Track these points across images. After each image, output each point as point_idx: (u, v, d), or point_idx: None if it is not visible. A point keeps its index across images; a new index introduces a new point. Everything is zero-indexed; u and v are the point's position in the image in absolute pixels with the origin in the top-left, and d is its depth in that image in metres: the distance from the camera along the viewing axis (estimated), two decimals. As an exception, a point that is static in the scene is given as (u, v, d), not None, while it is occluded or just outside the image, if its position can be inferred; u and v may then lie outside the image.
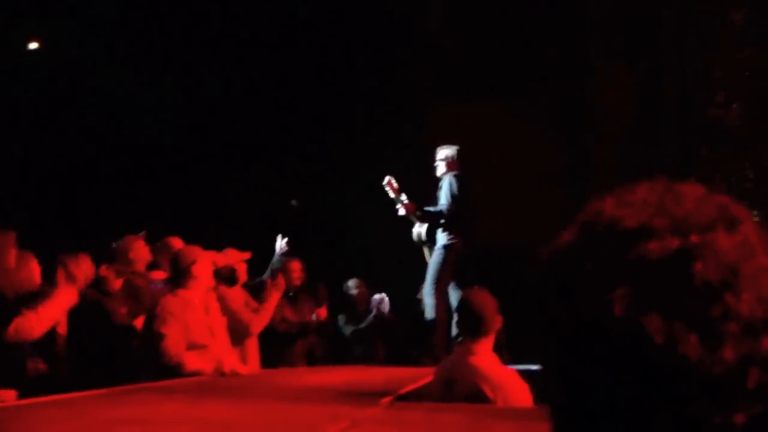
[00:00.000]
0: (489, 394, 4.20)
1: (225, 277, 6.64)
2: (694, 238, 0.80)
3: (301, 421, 3.59)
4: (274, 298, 6.81)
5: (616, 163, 9.93)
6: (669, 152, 9.20)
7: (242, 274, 6.80)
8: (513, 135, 10.87)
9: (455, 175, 7.73)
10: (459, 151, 7.95)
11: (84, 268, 5.66)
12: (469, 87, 10.69)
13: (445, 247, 7.65)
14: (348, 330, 9.21)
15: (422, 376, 5.40)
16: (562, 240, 0.90)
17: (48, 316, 5.10)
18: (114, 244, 6.81)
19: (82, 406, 3.90)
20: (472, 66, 10.62)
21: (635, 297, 0.78)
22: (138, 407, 3.88)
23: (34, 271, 5.26)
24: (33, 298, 5.10)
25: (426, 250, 7.97)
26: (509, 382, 4.36)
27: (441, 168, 7.93)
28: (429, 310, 7.59)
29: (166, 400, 4.20)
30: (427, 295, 7.63)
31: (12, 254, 5.21)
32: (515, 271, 10.01)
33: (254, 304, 6.81)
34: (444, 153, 7.97)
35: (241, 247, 6.98)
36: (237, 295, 6.73)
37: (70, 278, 5.39)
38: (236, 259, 6.74)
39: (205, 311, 5.74)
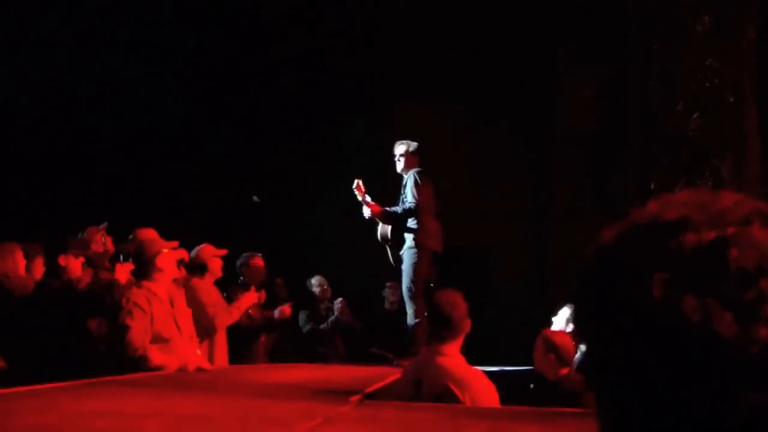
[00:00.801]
0: (458, 394, 4.21)
1: (194, 267, 6.56)
2: (730, 230, 0.83)
3: (274, 418, 3.58)
4: (247, 299, 6.76)
5: (579, 169, 10.03)
6: (631, 159, 9.31)
7: (217, 270, 6.71)
8: (477, 138, 10.94)
9: (418, 172, 7.56)
10: (418, 147, 7.69)
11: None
12: (435, 88, 10.71)
13: (416, 246, 7.38)
14: (308, 329, 9.15)
15: (387, 374, 5.40)
16: (604, 236, 0.92)
17: None
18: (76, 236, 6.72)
19: (51, 397, 3.83)
20: (439, 68, 10.64)
21: (673, 280, 0.81)
22: (107, 400, 3.83)
23: (18, 262, 5.17)
24: None
25: (389, 251, 7.80)
26: (477, 382, 4.38)
27: (401, 164, 7.65)
28: (411, 315, 7.30)
29: (135, 393, 4.15)
30: (407, 299, 7.36)
31: None
32: (474, 273, 10.15)
33: (225, 303, 6.74)
34: (403, 148, 7.68)
35: (201, 240, 6.90)
36: (208, 289, 6.66)
37: None
38: (211, 254, 6.67)
39: (170, 303, 5.68)
